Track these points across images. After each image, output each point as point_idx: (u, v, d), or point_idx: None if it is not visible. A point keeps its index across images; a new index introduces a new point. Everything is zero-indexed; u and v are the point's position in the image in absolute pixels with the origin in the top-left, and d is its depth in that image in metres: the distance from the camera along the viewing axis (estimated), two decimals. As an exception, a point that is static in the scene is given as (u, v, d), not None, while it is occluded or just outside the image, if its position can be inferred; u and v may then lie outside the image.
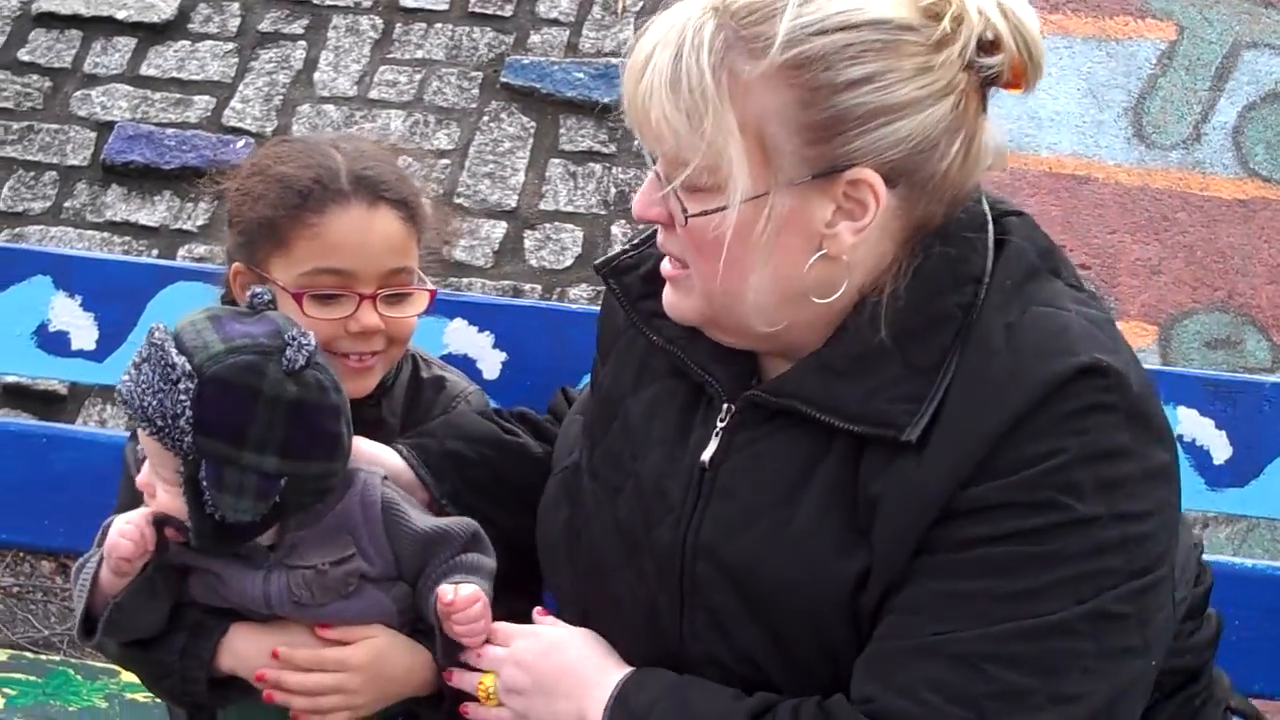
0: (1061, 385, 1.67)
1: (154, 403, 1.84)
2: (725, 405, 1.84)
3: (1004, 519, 1.67)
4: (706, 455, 1.83)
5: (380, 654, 1.96)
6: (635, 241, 1.97)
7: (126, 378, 1.89)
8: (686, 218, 1.73)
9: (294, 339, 1.88)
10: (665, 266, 1.83)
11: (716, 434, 1.83)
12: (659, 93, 1.70)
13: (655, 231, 1.88)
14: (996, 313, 1.73)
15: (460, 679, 1.95)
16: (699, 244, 1.74)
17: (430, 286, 2.15)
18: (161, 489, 1.91)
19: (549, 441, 2.19)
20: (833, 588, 1.73)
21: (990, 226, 1.79)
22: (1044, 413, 1.66)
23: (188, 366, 1.84)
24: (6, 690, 2.51)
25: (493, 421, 2.20)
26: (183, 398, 1.84)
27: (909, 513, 1.70)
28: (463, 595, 1.90)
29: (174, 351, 1.85)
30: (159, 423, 1.85)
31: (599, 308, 2.12)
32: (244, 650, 1.97)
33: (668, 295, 1.83)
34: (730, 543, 1.78)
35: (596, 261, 1.99)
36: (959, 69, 1.70)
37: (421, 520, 1.99)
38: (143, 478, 1.96)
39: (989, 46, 1.71)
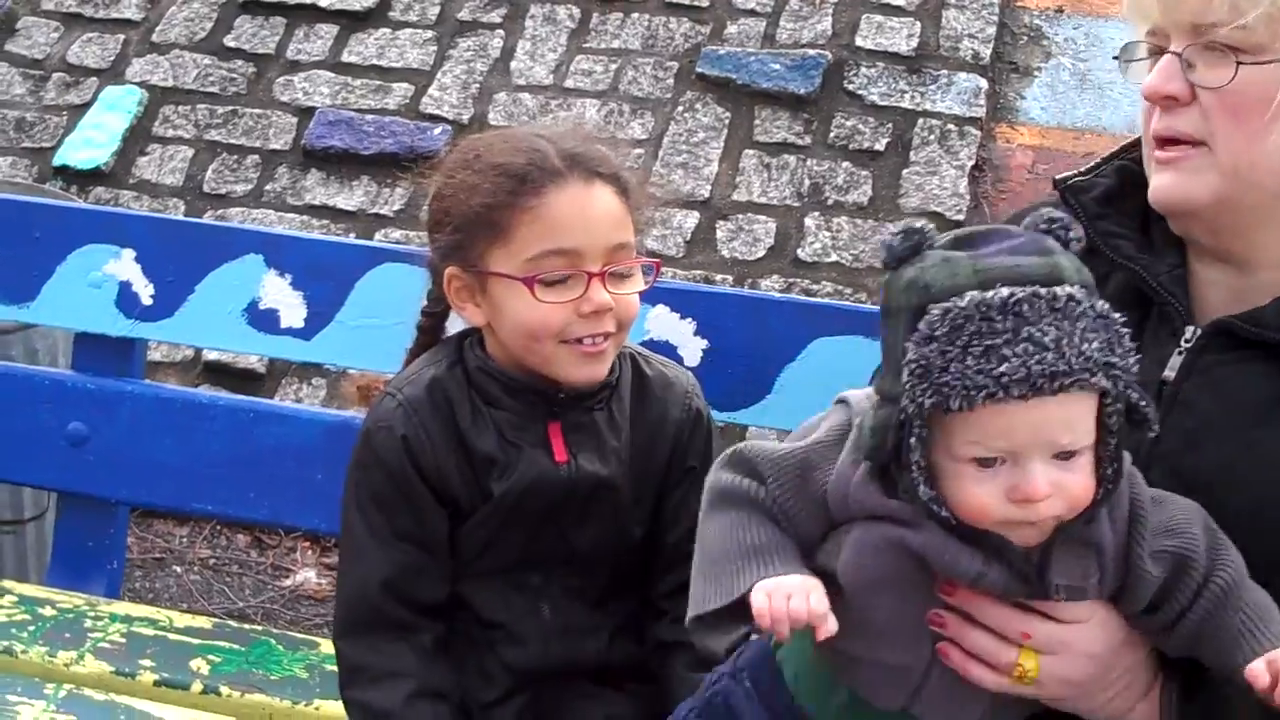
0: None
1: (1092, 345, 1.55)
2: (1191, 329, 1.85)
3: None
4: (1169, 373, 1.84)
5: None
6: (1083, 169, 1.98)
7: (1017, 356, 1.52)
8: (1236, 70, 1.74)
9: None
10: (1160, 154, 1.83)
11: (1179, 353, 1.84)
12: None
13: (1100, 163, 1.94)
14: None
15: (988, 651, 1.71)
16: (1235, 107, 1.76)
17: (653, 259, 2.12)
18: (1050, 477, 1.57)
19: None
20: None
21: None
22: None
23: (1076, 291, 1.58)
24: (211, 657, 2.56)
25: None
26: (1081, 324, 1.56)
27: None
28: None
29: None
30: (1089, 367, 1.54)
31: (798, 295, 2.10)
32: None
33: (1165, 182, 1.83)
34: (1191, 455, 1.79)
35: (1057, 177, 1.99)
36: None
37: (1154, 537, 1.67)
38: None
39: None
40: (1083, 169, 1.98)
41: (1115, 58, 1.91)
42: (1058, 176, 1.98)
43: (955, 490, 1.60)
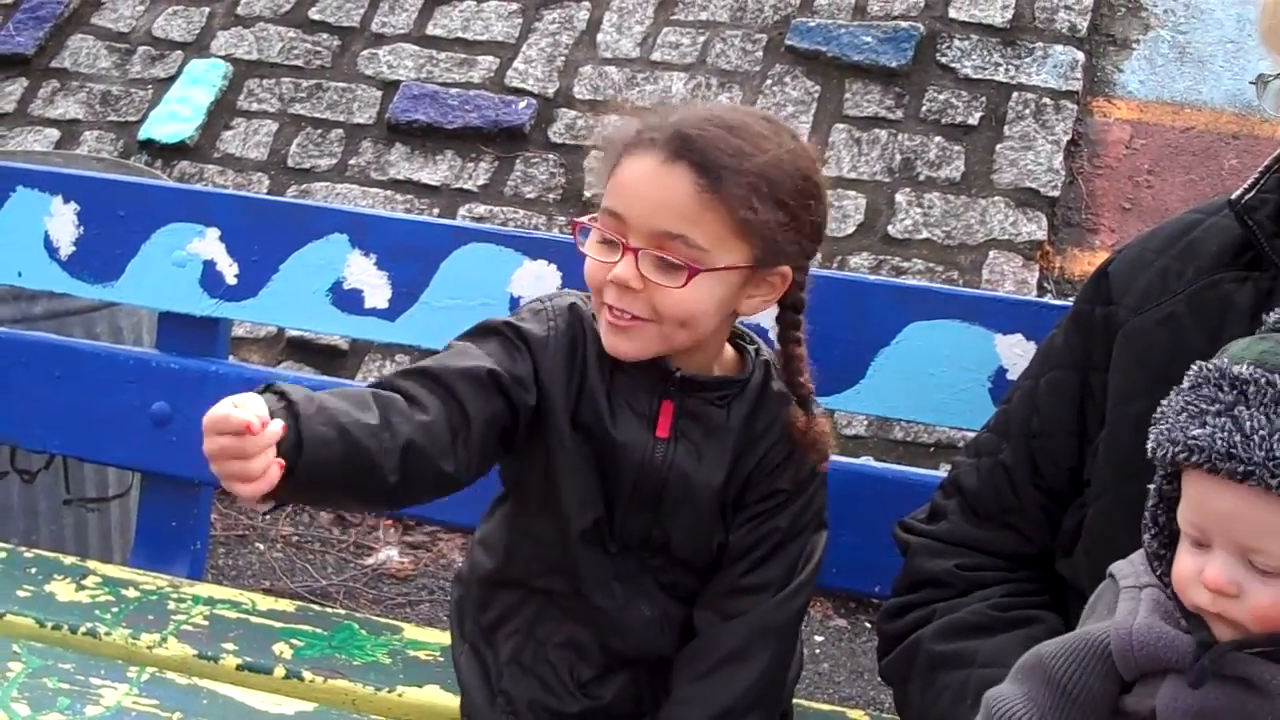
0: None
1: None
2: None
3: None
4: None
5: None
6: (1249, 185, 1.93)
7: (1212, 426, 1.49)
8: None
9: None
10: None
11: None
12: None
13: (1260, 175, 1.89)
14: None
15: None
16: None
17: (697, 265, 1.97)
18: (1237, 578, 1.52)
19: None
20: None
21: None
22: None
23: None
24: (294, 641, 2.53)
25: None
26: None
27: None
28: None
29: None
30: (1271, 467, 1.47)
31: (869, 275, 2.03)
32: None
33: None
34: None
35: (1231, 197, 1.94)
36: None
37: None
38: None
39: None
40: (1247, 184, 1.92)
41: (1252, 83, 1.84)
42: (1231, 197, 1.92)
43: (1176, 560, 1.56)
